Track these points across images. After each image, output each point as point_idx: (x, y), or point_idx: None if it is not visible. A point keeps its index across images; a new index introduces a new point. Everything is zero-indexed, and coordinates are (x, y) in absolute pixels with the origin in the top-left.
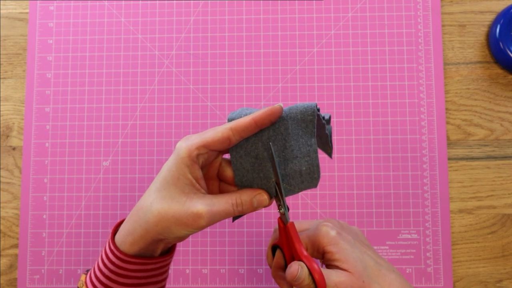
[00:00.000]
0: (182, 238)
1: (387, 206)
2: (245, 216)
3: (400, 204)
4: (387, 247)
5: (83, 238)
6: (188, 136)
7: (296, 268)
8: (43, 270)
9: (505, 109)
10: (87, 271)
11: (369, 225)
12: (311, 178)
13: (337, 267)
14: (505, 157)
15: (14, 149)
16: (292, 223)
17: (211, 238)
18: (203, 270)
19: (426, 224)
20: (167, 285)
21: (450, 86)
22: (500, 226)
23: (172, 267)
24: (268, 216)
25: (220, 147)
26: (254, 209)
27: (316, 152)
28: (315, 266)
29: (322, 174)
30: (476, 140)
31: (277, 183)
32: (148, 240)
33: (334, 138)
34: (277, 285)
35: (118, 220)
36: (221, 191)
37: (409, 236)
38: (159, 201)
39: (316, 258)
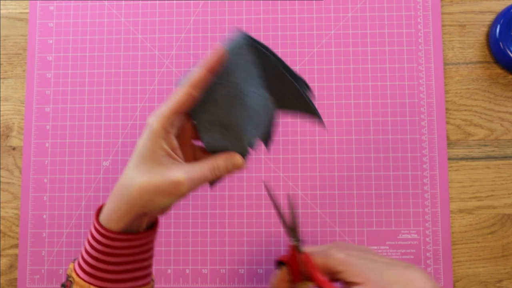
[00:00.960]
0: (166, 209)
1: (387, 206)
2: (245, 216)
3: (400, 204)
4: (387, 247)
5: (83, 238)
6: (156, 111)
7: None
8: (43, 270)
9: (505, 109)
10: (75, 259)
11: (369, 225)
12: (269, 116)
13: (352, 283)
14: (505, 157)
15: (14, 149)
16: (308, 254)
17: (211, 238)
18: (203, 270)
19: (426, 224)
20: (167, 285)
21: (450, 86)
22: (500, 226)
23: (172, 267)
24: (268, 216)
25: (187, 107)
26: (230, 172)
27: (263, 96)
28: None
29: (322, 174)
30: (476, 140)
31: (285, 223)
32: (133, 215)
33: (334, 138)
34: None
35: (100, 204)
36: (196, 158)
37: (409, 236)
38: (139, 176)
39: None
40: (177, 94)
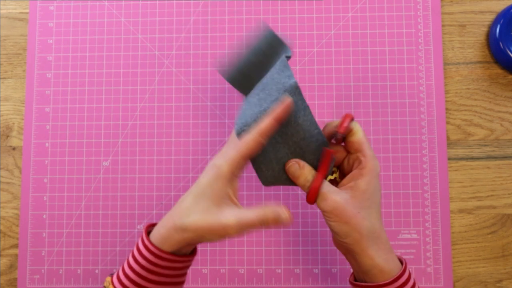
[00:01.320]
0: (215, 241)
1: (387, 206)
2: None
3: (400, 204)
4: None
5: (83, 238)
6: (223, 153)
7: (292, 164)
8: (43, 270)
9: (505, 109)
10: (112, 274)
11: None
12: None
13: (350, 188)
14: (505, 157)
15: (14, 149)
16: (332, 152)
17: None
18: (203, 270)
19: (426, 224)
20: None
21: (450, 86)
22: (500, 226)
23: None
24: None
25: (255, 153)
26: (277, 225)
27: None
28: (320, 179)
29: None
30: (476, 140)
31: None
32: (182, 244)
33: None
34: (276, 283)
35: (148, 222)
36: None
37: (409, 236)
38: (197, 213)
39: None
40: (248, 141)
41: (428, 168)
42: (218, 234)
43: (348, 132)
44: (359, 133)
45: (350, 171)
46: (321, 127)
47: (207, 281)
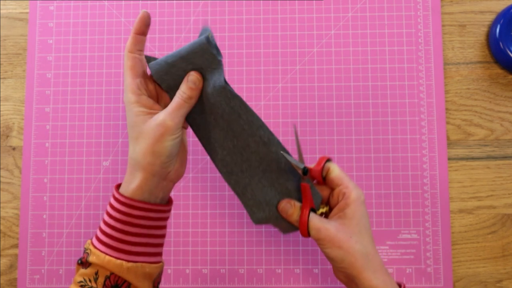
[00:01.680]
0: (172, 159)
1: (387, 206)
2: (245, 216)
3: (400, 204)
4: (387, 247)
5: (83, 238)
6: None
7: (285, 203)
8: (43, 270)
9: (505, 109)
10: (92, 237)
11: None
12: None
13: (339, 217)
14: (505, 157)
15: (14, 149)
16: (307, 185)
17: (211, 238)
18: (203, 270)
19: (426, 224)
20: (167, 285)
21: (450, 86)
22: (500, 226)
23: (172, 267)
24: None
25: (140, 69)
26: (194, 87)
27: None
28: (306, 213)
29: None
30: (476, 140)
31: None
32: (149, 179)
33: (334, 138)
34: (276, 283)
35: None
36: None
37: (409, 236)
38: (137, 143)
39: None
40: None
41: (428, 168)
42: (161, 136)
43: (326, 171)
44: (335, 170)
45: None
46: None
47: (207, 281)
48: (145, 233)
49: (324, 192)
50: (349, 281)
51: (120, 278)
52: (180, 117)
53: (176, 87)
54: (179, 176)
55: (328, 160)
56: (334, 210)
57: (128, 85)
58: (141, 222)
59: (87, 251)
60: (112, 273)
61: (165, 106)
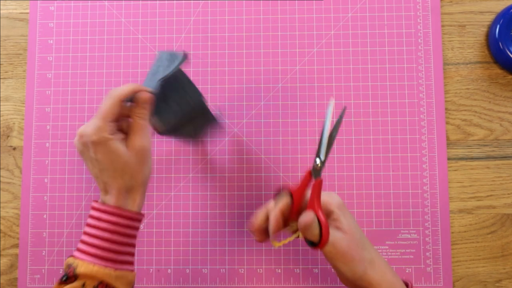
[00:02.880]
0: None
1: (387, 206)
2: (245, 216)
3: (400, 204)
4: (387, 247)
5: None
6: (87, 123)
7: (312, 217)
8: (43, 270)
9: (504, 109)
10: (70, 255)
11: (369, 225)
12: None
13: (337, 228)
14: (505, 157)
15: (14, 149)
16: (321, 181)
17: (211, 238)
18: (203, 270)
19: (426, 224)
20: (167, 285)
21: (449, 86)
22: (499, 226)
23: (172, 267)
24: None
25: (113, 116)
26: (142, 101)
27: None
28: (325, 221)
29: (322, 174)
30: (476, 140)
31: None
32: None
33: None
34: (276, 283)
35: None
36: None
37: (408, 236)
38: (124, 173)
39: None
40: (106, 104)
41: (427, 168)
42: (145, 161)
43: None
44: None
45: None
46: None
47: (207, 281)
48: (127, 242)
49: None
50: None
51: (107, 286)
52: (149, 136)
53: None
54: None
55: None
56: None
57: (102, 126)
58: (127, 231)
59: (72, 265)
60: (100, 282)
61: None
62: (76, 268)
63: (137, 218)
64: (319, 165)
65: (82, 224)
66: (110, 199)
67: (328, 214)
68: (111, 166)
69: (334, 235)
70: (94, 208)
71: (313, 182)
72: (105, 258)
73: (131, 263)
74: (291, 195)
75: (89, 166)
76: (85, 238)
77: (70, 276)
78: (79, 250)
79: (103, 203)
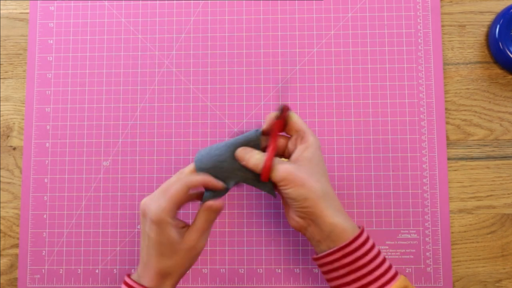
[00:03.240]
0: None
1: (387, 206)
2: (245, 215)
3: (400, 204)
4: (387, 247)
5: (83, 238)
6: (153, 196)
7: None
8: (43, 270)
9: (504, 109)
10: None
11: (369, 225)
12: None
13: (300, 157)
14: (505, 157)
15: (14, 149)
16: (281, 121)
17: (211, 238)
18: (203, 270)
19: (426, 224)
20: None
21: (449, 86)
22: (499, 226)
23: None
24: (268, 216)
25: (184, 202)
26: (214, 213)
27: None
28: (271, 157)
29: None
30: (476, 140)
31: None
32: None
33: (334, 138)
34: (276, 283)
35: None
36: None
37: (408, 236)
38: (169, 258)
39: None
40: (177, 189)
41: (427, 168)
42: (191, 258)
43: (287, 118)
44: (294, 117)
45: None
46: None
47: (207, 281)
48: None
49: (281, 142)
50: (306, 223)
51: None
52: (208, 229)
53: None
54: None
55: (289, 109)
56: (293, 155)
57: (166, 208)
58: None
59: None
60: None
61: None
62: None
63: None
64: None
65: (82, 224)
66: (145, 280)
67: (299, 143)
68: (159, 248)
69: (283, 163)
70: (127, 284)
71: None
72: None
73: None
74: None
75: (141, 236)
76: None
77: None
78: None
79: (138, 281)
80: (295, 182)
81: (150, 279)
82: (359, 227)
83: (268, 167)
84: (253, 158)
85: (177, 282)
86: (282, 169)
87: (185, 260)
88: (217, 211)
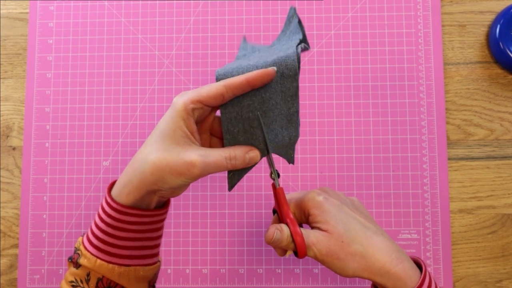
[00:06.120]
0: (176, 190)
1: (387, 206)
2: (245, 216)
3: (400, 204)
4: None
5: None
6: (184, 92)
7: (273, 232)
8: (43, 270)
9: (505, 109)
10: (84, 233)
11: None
12: (293, 140)
13: (318, 229)
14: (505, 157)
15: (14, 149)
16: (281, 188)
17: (211, 238)
18: (203, 270)
19: (426, 224)
20: (167, 285)
21: (450, 86)
22: (500, 226)
23: (172, 267)
24: (268, 216)
25: (214, 103)
26: (246, 164)
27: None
28: (297, 229)
29: (322, 174)
30: (476, 140)
31: (267, 150)
32: (143, 190)
33: (334, 138)
34: (276, 283)
35: (113, 180)
36: (211, 147)
37: (409, 236)
38: (154, 151)
39: (303, 222)
40: (211, 87)
41: (428, 168)
42: (180, 173)
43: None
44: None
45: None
46: None
47: (207, 281)
48: (138, 237)
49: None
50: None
51: (112, 281)
52: (211, 172)
53: (237, 133)
54: (174, 195)
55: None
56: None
57: (190, 100)
58: (133, 227)
59: (77, 251)
60: (104, 276)
61: (198, 141)
62: (79, 256)
63: (144, 214)
64: (273, 178)
65: (82, 224)
66: (120, 186)
67: (307, 215)
68: (168, 140)
69: (315, 237)
70: (104, 198)
71: (275, 192)
72: (109, 253)
73: (146, 256)
74: (277, 212)
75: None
76: (93, 227)
77: (74, 262)
78: (87, 237)
79: (110, 189)
80: (332, 254)
81: (131, 188)
82: (418, 264)
83: (302, 245)
84: (284, 238)
85: (159, 200)
86: (318, 244)
87: (181, 172)
88: (253, 161)
